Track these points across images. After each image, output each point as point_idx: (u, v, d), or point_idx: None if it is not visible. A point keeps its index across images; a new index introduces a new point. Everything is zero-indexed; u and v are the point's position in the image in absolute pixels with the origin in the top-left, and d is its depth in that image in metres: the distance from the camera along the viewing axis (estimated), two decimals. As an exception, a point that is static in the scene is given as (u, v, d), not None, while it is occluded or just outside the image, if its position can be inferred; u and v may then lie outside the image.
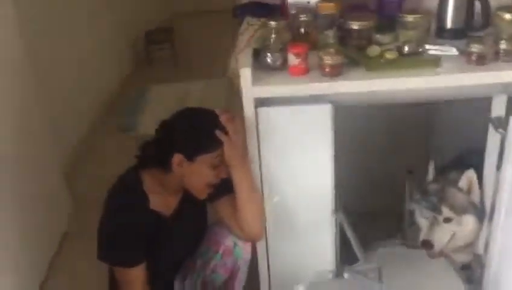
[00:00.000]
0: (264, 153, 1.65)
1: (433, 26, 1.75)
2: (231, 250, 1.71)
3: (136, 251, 1.56)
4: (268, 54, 1.62)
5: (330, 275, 1.81)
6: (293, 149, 1.65)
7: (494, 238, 1.74)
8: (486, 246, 1.79)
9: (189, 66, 4.52)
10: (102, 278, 1.70)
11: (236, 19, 2.00)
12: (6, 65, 2.11)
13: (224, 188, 1.61)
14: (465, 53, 1.57)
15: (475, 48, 1.54)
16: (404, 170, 1.90)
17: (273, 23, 1.63)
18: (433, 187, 1.83)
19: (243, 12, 1.98)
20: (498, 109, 1.63)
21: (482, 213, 1.77)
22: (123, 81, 4.26)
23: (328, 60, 1.54)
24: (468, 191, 1.77)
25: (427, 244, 1.75)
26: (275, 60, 1.62)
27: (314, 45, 1.64)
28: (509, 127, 1.56)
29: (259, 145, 1.64)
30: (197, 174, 1.53)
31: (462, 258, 1.91)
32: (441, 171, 1.88)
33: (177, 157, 1.51)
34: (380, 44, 1.65)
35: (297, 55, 1.56)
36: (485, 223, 1.78)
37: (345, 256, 1.80)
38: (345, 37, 1.69)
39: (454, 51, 1.61)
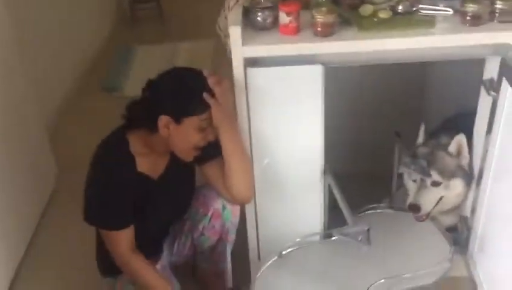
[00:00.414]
0: (253, 114, 1.62)
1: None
2: (220, 213, 1.71)
3: (123, 214, 1.54)
4: (259, 12, 1.57)
5: (318, 237, 1.83)
6: (283, 111, 1.63)
7: (481, 202, 1.75)
8: (473, 208, 1.80)
9: (176, 25, 4.42)
10: (90, 237, 1.69)
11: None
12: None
13: (213, 151, 1.58)
14: (459, 13, 1.54)
15: (470, 7, 1.51)
16: (394, 133, 1.89)
17: (264, -21, 1.58)
18: (422, 150, 1.82)
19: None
20: (491, 71, 1.61)
21: (470, 177, 1.78)
22: (107, 41, 4.15)
23: (320, 18, 1.51)
24: (458, 155, 1.77)
25: (415, 208, 1.75)
26: (266, 18, 1.57)
27: (307, 4, 1.60)
28: (501, 90, 1.55)
29: (248, 107, 1.61)
30: (183, 136, 1.50)
31: (449, 220, 1.92)
32: (431, 135, 1.88)
33: (164, 119, 1.47)
34: (373, 3, 1.60)
35: (288, 13, 1.52)
36: (473, 186, 1.79)
37: (334, 218, 1.80)
38: (337, -5, 1.64)
39: (448, 11, 1.57)
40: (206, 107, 1.47)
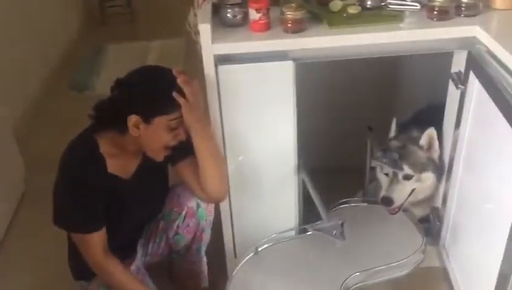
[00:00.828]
0: (225, 112, 1.61)
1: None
2: (194, 211, 1.69)
3: (94, 217, 1.51)
4: (228, 9, 1.56)
5: (294, 233, 1.84)
6: (255, 107, 1.62)
7: (452, 193, 1.79)
8: (444, 200, 1.84)
9: (147, 24, 4.37)
10: (62, 239, 1.66)
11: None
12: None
13: (185, 150, 1.57)
14: (427, 7, 1.56)
15: (437, 2, 1.53)
16: (366, 127, 1.91)
17: (232, -24, 1.57)
18: (394, 144, 1.85)
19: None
20: (458, 64, 1.64)
21: (441, 170, 1.81)
22: (76, 40, 4.09)
23: (290, 14, 1.51)
24: (428, 149, 1.80)
25: (387, 201, 1.78)
26: (235, 14, 1.56)
27: (276, 1, 1.60)
28: (468, 83, 1.58)
29: (220, 104, 1.60)
30: (154, 136, 1.48)
31: (421, 211, 1.96)
32: (403, 128, 1.90)
33: (133, 119, 1.44)
34: (342, -2, 1.61)
35: (258, 10, 1.52)
36: (444, 178, 1.82)
37: (308, 214, 1.81)
38: (307, -9, 1.64)
39: (416, 6, 1.60)
40: (176, 106, 1.45)
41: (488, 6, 1.60)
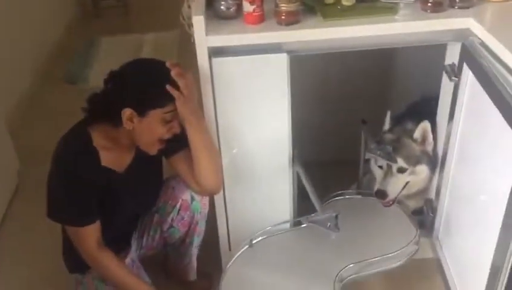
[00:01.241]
0: (219, 104, 1.61)
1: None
2: (188, 204, 1.69)
3: (88, 210, 1.51)
4: (222, 1, 1.55)
5: (288, 225, 1.84)
6: (249, 100, 1.62)
7: (445, 185, 1.80)
8: (438, 192, 1.84)
9: (140, 16, 4.34)
10: (57, 232, 1.66)
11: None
12: None
13: (179, 143, 1.57)
14: None
15: (431, -6, 1.53)
16: (360, 120, 1.91)
17: (226, -32, 1.56)
18: (388, 137, 1.85)
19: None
20: (452, 56, 1.64)
21: (435, 162, 1.82)
22: (70, 33, 4.05)
23: (284, 6, 1.50)
24: (423, 142, 1.80)
25: (381, 194, 1.78)
26: (229, 7, 1.56)
27: (270, -8, 1.59)
28: (462, 75, 1.58)
29: (214, 97, 1.59)
30: (148, 129, 1.47)
31: (415, 203, 1.97)
32: (397, 120, 1.91)
33: (127, 112, 1.44)
34: (336, -10, 1.61)
35: (252, 2, 1.51)
36: (437, 170, 1.83)
37: (303, 206, 1.81)
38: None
39: (410, -2, 1.60)
40: (169, 99, 1.44)
41: (481, -2, 1.60)
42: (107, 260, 1.54)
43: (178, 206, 1.69)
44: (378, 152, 1.80)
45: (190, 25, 1.54)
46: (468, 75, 1.55)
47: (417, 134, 1.79)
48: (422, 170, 1.81)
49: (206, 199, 1.73)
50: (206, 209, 1.75)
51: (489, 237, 1.38)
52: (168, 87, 1.43)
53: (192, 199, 1.69)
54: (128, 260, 1.66)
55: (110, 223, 1.58)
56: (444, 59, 1.69)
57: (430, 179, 1.86)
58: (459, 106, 1.63)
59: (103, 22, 4.34)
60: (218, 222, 1.82)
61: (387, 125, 1.91)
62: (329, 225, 1.58)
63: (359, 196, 1.96)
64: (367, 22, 1.53)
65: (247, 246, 1.76)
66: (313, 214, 1.64)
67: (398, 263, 1.69)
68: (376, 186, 1.81)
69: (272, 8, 1.54)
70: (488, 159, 1.47)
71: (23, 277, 2.03)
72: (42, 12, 3.62)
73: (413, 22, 1.53)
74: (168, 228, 1.73)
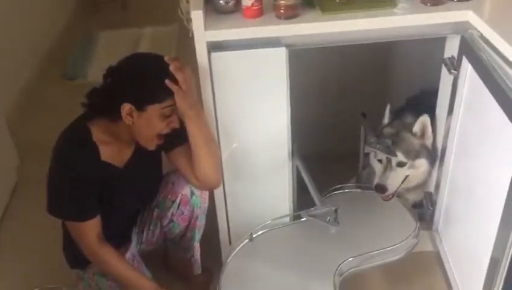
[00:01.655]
0: (218, 99, 1.61)
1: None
2: (188, 199, 1.70)
3: (88, 205, 1.51)
4: (221, -5, 1.55)
5: (288, 219, 1.84)
6: (248, 94, 1.62)
7: (445, 178, 1.80)
8: (437, 185, 1.85)
9: (139, 10, 4.32)
10: (57, 228, 1.66)
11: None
12: None
13: (179, 137, 1.57)
14: (420, -8, 1.56)
15: (430, -13, 1.52)
16: (360, 113, 1.91)
17: (225, -39, 1.55)
18: (388, 131, 1.85)
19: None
20: (451, 49, 1.64)
21: (434, 156, 1.82)
22: (68, 28, 4.04)
23: (283, 0, 1.50)
24: (422, 136, 1.80)
25: (381, 188, 1.79)
26: (228, 1, 1.55)
27: (269, -14, 1.58)
28: (461, 68, 1.58)
29: (213, 91, 1.59)
30: (147, 124, 1.47)
31: (414, 197, 1.97)
32: (396, 114, 1.91)
33: (126, 107, 1.44)
34: (335, -16, 1.60)
35: (250, -5, 1.50)
36: (437, 164, 1.83)
37: (303, 200, 1.82)
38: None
39: (410, -10, 1.59)
40: (168, 94, 1.44)
41: (481, -10, 1.60)
42: (108, 255, 1.54)
43: (178, 201, 1.69)
44: (378, 146, 1.80)
45: (189, 20, 1.53)
46: (467, 68, 1.55)
47: (416, 128, 1.79)
48: (422, 163, 1.81)
49: (205, 194, 1.73)
50: (206, 204, 1.75)
51: (489, 229, 1.39)
52: (167, 81, 1.43)
53: (192, 193, 1.69)
54: (128, 255, 1.67)
55: (110, 218, 1.58)
56: (443, 52, 1.69)
57: (430, 173, 1.86)
58: (459, 99, 1.63)
59: (101, 16, 4.32)
60: (218, 216, 1.83)
61: (386, 119, 1.90)
62: (329, 219, 1.58)
63: (359, 190, 1.96)
64: (366, 15, 1.53)
65: (247, 240, 1.76)
66: (312, 208, 1.64)
67: (398, 256, 1.70)
68: (375, 181, 1.81)
69: (271, 2, 1.54)
70: (488, 152, 1.48)
71: (23, 272, 2.03)
72: (40, 7, 3.60)
73: (412, 15, 1.52)
74: (168, 222, 1.73)
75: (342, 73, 2.21)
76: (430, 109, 1.81)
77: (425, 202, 1.93)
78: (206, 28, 1.49)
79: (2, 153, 2.40)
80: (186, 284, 1.89)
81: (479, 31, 1.48)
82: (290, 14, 1.52)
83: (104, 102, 1.49)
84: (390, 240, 1.71)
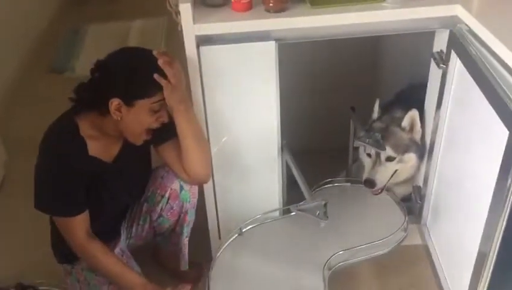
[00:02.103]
0: (208, 93, 1.60)
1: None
2: (177, 193, 1.69)
3: (76, 200, 1.50)
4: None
5: (277, 214, 1.85)
6: (238, 88, 1.61)
7: (433, 172, 1.81)
8: (426, 179, 1.86)
9: (127, 3, 4.28)
10: (45, 223, 1.65)
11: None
12: None
13: (168, 132, 1.55)
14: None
15: (419, -19, 1.52)
16: (349, 108, 1.91)
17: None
18: (377, 125, 1.86)
19: None
20: (440, 43, 1.64)
21: (423, 150, 1.83)
22: (55, 21, 3.99)
23: (272, -7, 1.49)
24: (411, 130, 1.81)
25: (370, 183, 1.79)
26: (217, -6, 1.54)
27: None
28: (450, 62, 1.58)
29: (202, 85, 1.58)
30: (136, 119, 1.46)
31: (403, 190, 1.98)
32: (385, 108, 1.91)
33: (114, 102, 1.42)
34: (324, -22, 1.60)
35: (239, -11, 1.49)
36: (425, 158, 1.84)
37: (293, 194, 1.82)
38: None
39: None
40: (157, 89, 1.43)
41: (469, -15, 1.60)
42: (97, 251, 1.53)
43: (167, 195, 1.68)
44: (368, 140, 1.80)
45: (177, 13, 1.52)
46: (456, 63, 1.55)
47: (405, 122, 1.80)
48: (411, 158, 1.81)
49: (195, 188, 1.73)
50: (195, 199, 1.74)
51: (476, 223, 1.40)
52: (155, 76, 1.42)
53: (181, 188, 1.69)
54: (117, 250, 1.66)
55: (99, 213, 1.57)
56: (432, 46, 1.69)
57: (419, 167, 1.87)
58: (447, 93, 1.64)
59: (89, 9, 4.27)
60: (208, 211, 1.82)
61: (376, 114, 1.91)
62: (318, 213, 1.59)
63: (348, 184, 1.97)
64: (355, 9, 1.52)
65: (236, 235, 1.76)
66: (302, 202, 1.65)
67: (387, 250, 1.70)
68: (365, 176, 1.82)
69: (260, -4, 1.53)
70: (475, 146, 1.48)
71: (11, 267, 2.01)
72: (27, 0, 3.56)
73: (401, 10, 1.52)
74: (157, 217, 1.72)
75: (332, 67, 2.21)
76: (419, 103, 1.82)
77: (413, 195, 1.94)
78: (194, 21, 1.48)
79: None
80: (176, 279, 1.89)
81: (467, 26, 1.49)
82: (279, 8, 1.52)
83: (92, 97, 1.47)
84: (379, 233, 1.72)
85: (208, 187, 1.76)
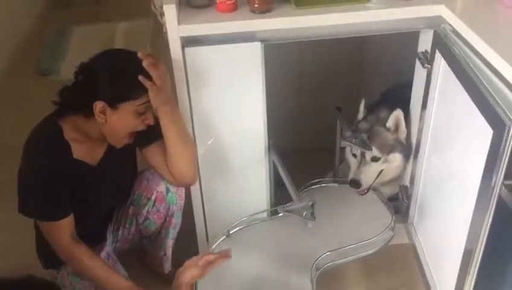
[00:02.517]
0: (194, 94, 1.59)
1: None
2: (164, 196, 1.68)
3: (60, 204, 1.48)
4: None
5: (265, 215, 1.84)
6: (224, 89, 1.61)
7: (419, 172, 1.82)
8: (412, 178, 1.87)
9: (112, 5, 4.25)
10: (29, 228, 1.63)
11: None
12: None
13: (153, 134, 1.54)
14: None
15: (403, -19, 1.53)
16: (335, 108, 1.92)
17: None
18: (363, 126, 1.86)
19: None
20: (425, 44, 1.65)
21: (409, 150, 1.83)
22: (40, 23, 3.95)
23: (257, -6, 1.49)
24: (396, 130, 1.81)
25: (355, 183, 1.80)
26: (201, -5, 1.54)
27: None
28: (434, 62, 1.59)
29: (188, 87, 1.58)
30: (121, 122, 1.44)
31: (390, 190, 1.98)
32: (371, 108, 1.91)
33: (99, 105, 1.41)
34: (309, -21, 1.60)
35: (224, -11, 1.49)
36: (411, 158, 1.84)
37: (280, 195, 1.82)
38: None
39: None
40: (142, 90, 1.42)
41: (453, -15, 1.61)
42: (82, 254, 1.51)
43: (153, 198, 1.67)
44: (354, 140, 1.80)
45: (162, 14, 1.51)
46: (440, 63, 1.56)
47: (390, 122, 1.80)
48: (396, 158, 1.82)
49: (181, 190, 1.72)
50: (182, 201, 1.73)
51: (462, 221, 1.41)
52: (140, 78, 1.40)
53: (168, 190, 1.68)
54: (103, 254, 1.65)
55: (84, 217, 1.56)
56: (417, 46, 1.70)
57: (405, 167, 1.88)
58: (432, 93, 1.65)
59: (75, 10, 4.24)
60: (195, 213, 1.81)
61: (361, 114, 1.91)
62: (305, 214, 1.58)
63: (335, 184, 1.97)
64: (339, 9, 1.52)
65: (224, 237, 1.76)
66: (289, 203, 1.64)
67: (375, 249, 1.70)
68: (350, 176, 1.82)
69: (245, -3, 1.53)
70: (460, 146, 1.49)
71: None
72: (11, 2, 3.52)
73: (385, 10, 1.53)
74: (144, 220, 1.71)
75: (318, 68, 2.21)
76: (404, 103, 1.83)
77: (400, 195, 1.95)
78: (179, 22, 1.47)
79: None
80: (163, 282, 1.87)
81: (451, 26, 1.50)
82: (264, 8, 1.51)
83: (76, 100, 1.45)
84: (367, 233, 1.72)
85: (194, 189, 1.75)
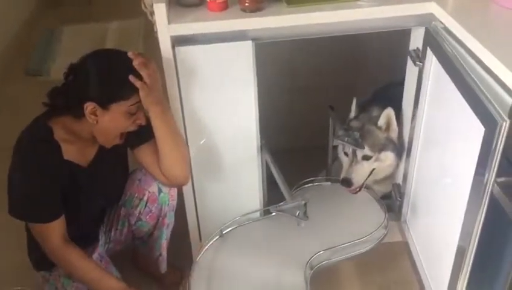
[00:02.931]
0: (185, 94, 1.58)
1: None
2: (156, 197, 1.67)
3: (51, 205, 1.47)
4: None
5: (258, 214, 1.84)
6: (215, 88, 1.60)
7: (412, 170, 1.82)
8: (405, 177, 1.87)
9: (103, 4, 4.23)
10: (20, 230, 1.61)
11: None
12: None
13: (145, 134, 1.53)
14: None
15: (394, -21, 1.53)
16: (328, 106, 1.91)
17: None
18: (355, 124, 1.86)
19: None
20: (416, 41, 1.65)
21: (401, 148, 1.84)
22: (30, 23, 3.92)
23: (248, -7, 1.48)
24: (387, 129, 1.81)
25: (347, 182, 1.80)
26: (192, -7, 1.53)
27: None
28: (426, 60, 1.59)
29: (179, 86, 1.57)
30: (112, 122, 1.43)
31: (383, 188, 1.99)
32: (363, 107, 1.91)
33: (89, 106, 1.40)
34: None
35: (215, -12, 1.48)
36: (404, 156, 1.84)
37: (273, 194, 1.81)
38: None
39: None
40: (133, 90, 1.40)
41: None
42: (73, 257, 1.50)
43: (145, 199, 1.66)
44: (346, 139, 1.80)
45: (152, 13, 1.50)
46: (432, 60, 1.56)
47: (381, 121, 1.80)
48: (387, 156, 1.82)
49: (174, 191, 1.70)
50: (174, 201, 1.72)
51: (455, 219, 1.41)
52: (131, 77, 1.39)
53: (160, 191, 1.67)
54: (96, 255, 1.63)
55: (76, 218, 1.54)
56: (409, 44, 1.70)
57: (397, 165, 1.88)
58: (424, 91, 1.65)
59: (65, 10, 4.22)
60: (188, 213, 1.80)
61: (353, 113, 1.91)
62: (298, 213, 1.58)
63: (328, 183, 1.97)
64: (331, 7, 1.52)
65: (217, 237, 1.75)
66: (281, 203, 1.64)
67: (368, 248, 1.71)
68: (342, 175, 1.82)
69: (236, -5, 1.52)
70: (453, 143, 1.49)
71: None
72: (1, 0, 3.49)
73: (376, 8, 1.52)
74: (136, 221, 1.70)
75: (310, 66, 2.21)
76: (396, 101, 1.83)
77: (393, 193, 1.95)
78: (169, 21, 1.46)
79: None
80: (156, 283, 1.87)
81: (442, 23, 1.50)
82: (255, 7, 1.51)
83: (66, 101, 1.44)
84: (360, 231, 1.72)
85: (187, 189, 1.74)
